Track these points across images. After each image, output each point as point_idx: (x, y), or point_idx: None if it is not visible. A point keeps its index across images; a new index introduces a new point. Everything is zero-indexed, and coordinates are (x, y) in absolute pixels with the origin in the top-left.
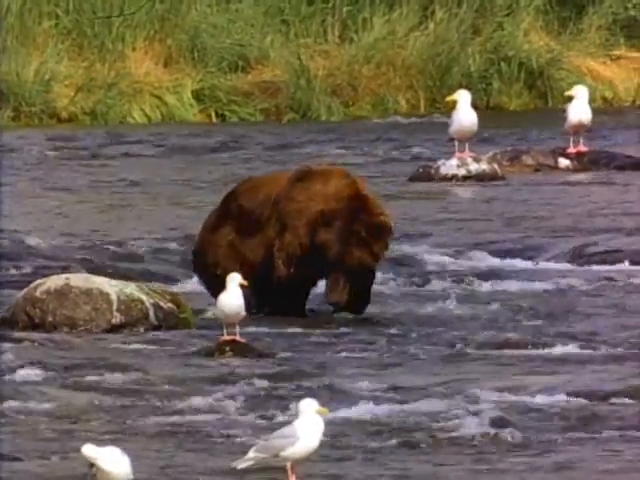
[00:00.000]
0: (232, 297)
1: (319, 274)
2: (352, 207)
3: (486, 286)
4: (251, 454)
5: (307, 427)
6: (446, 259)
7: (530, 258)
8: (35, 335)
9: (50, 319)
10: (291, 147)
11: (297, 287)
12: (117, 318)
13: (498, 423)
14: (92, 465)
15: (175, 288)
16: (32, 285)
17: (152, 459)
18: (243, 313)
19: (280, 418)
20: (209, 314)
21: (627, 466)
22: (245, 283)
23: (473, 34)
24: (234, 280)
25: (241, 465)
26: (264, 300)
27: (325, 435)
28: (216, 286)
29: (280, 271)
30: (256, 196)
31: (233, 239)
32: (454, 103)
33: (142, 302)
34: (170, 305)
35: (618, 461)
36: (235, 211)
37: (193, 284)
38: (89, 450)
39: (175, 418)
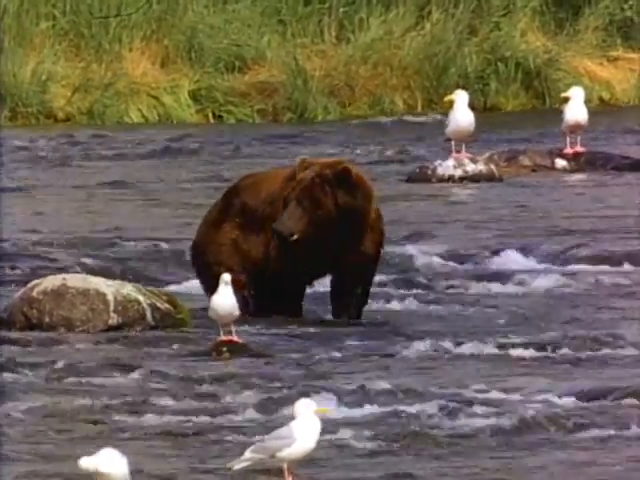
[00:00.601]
0: (224, 298)
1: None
2: (332, 161)
3: (483, 287)
4: (247, 455)
5: (304, 428)
6: (443, 260)
7: (527, 259)
8: (32, 335)
9: (47, 319)
10: (288, 147)
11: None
12: (114, 319)
13: (498, 423)
14: None
15: (172, 288)
16: (29, 285)
17: (149, 460)
18: (236, 313)
19: (277, 418)
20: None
21: (627, 466)
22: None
23: (470, 34)
24: (226, 280)
25: (237, 466)
26: (267, 300)
27: (322, 436)
28: (216, 285)
29: (275, 269)
30: (259, 194)
31: (237, 237)
32: (451, 103)
33: (139, 302)
34: (167, 305)
35: (618, 461)
36: (238, 208)
37: (190, 284)
38: (86, 463)
39: (172, 418)
